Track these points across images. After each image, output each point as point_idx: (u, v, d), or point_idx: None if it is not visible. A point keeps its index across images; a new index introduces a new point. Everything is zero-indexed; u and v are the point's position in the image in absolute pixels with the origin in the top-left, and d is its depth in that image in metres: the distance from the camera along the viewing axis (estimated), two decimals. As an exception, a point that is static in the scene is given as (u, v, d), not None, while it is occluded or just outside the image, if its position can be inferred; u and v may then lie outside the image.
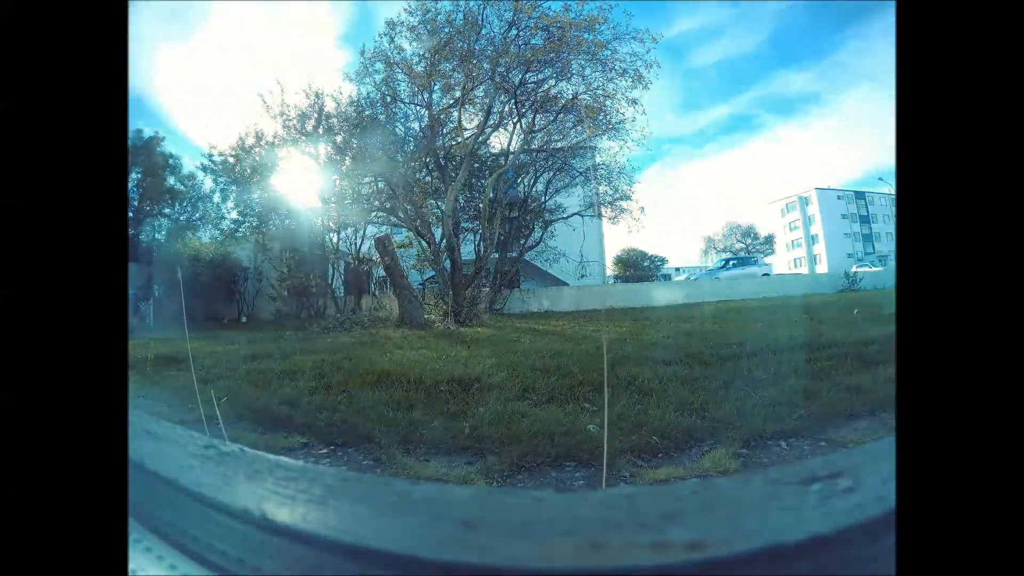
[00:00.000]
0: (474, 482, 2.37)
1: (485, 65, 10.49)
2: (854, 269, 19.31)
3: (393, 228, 12.77)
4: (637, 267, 24.48)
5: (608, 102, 10.99)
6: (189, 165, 18.14)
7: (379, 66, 11.16)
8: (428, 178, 12.31)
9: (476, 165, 12.43)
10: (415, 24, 10.62)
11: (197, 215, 17.54)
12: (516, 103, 11.08)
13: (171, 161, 18.16)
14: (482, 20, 10.33)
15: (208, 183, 14.08)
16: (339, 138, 11.88)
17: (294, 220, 13.09)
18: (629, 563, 0.49)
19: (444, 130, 11.73)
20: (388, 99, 11.42)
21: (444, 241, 11.00)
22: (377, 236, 11.46)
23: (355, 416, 3.23)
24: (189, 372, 3.36)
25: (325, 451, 2.87)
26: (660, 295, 15.88)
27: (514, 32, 10.33)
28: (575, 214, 14.59)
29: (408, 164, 11.58)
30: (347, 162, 11.79)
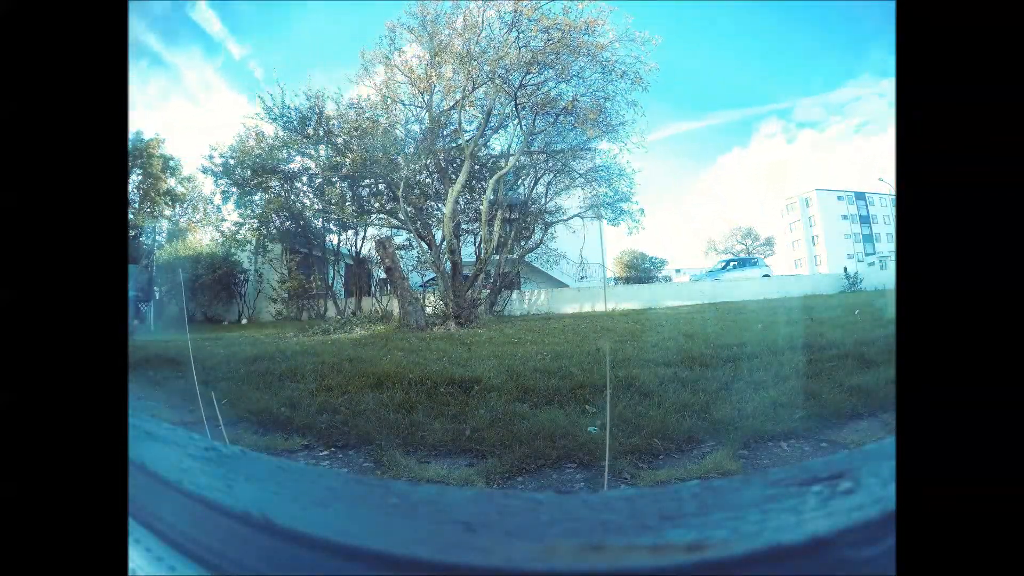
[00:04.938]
0: (475, 484, 2.37)
1: (485, 67, 10.49)
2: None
3: (393, 230, 12.78)
4: (637, 269, 24.42)
5: (608, 104, 11.01)
6: (189, 166, 18.18)
7: (379, 68, 11.19)
8: (428, 180, 12.31)
9: (476, 167, 12.42)
10: (415, 26, 10.66)
11: (198, 217, 17.57)
12: (516, 105, 11.08)
13: (171, 162, 18.21)
14: (482, 22, 10.36)
15: (208, 185, 14.10)
16: (339, 140, 11.90)
17: (294, 222, 13.12)
18: (630, 565, 0.49)
19: (444, 132, 11.74)
20: (388, 101, 11.43)
21: (444, 243, 10.99)
22: (377, 238, 11.47)
23: (355, 418, 3.23)
24: (189, 373, 3.36)
25: (325, 453, 2.86)
26: (661, 296, 15.85)
27: (514, 34, 10.35)
28: (575, 216, 14.59)
29: (408, 166, 11.59)
30: (347, 164, 11.80)
